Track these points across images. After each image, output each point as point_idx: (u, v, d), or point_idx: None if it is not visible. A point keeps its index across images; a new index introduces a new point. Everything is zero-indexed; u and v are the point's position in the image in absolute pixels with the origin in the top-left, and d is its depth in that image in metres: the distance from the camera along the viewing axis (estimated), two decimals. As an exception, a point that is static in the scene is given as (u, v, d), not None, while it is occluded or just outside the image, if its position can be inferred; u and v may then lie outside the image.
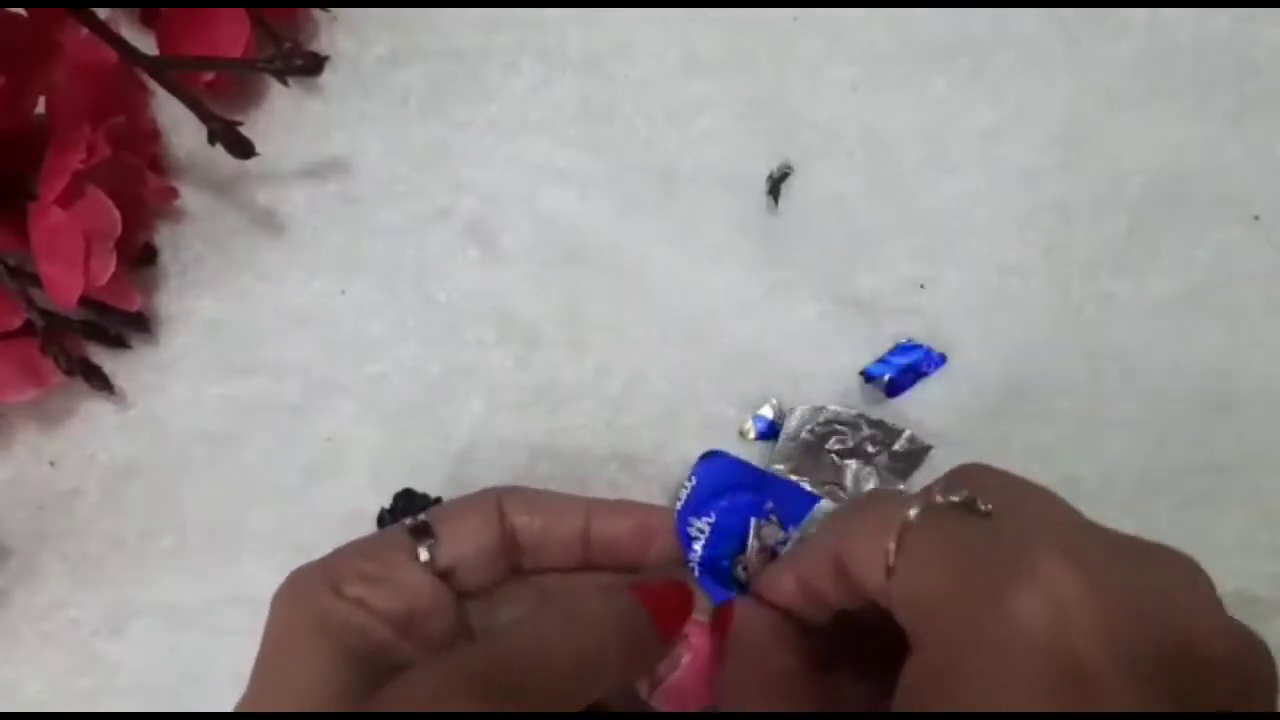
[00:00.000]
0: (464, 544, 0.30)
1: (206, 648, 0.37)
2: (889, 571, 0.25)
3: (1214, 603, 0.23)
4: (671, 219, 0.39)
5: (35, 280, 0.35)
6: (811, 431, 0.37)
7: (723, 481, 0.35)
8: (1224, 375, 0.38)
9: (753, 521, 0.34)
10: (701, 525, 0.33)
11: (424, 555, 0.29)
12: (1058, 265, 0.39)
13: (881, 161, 0.39)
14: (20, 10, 0.34)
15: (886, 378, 0.37)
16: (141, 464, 0.38)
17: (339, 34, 0.40)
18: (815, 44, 0.40)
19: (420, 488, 0.38)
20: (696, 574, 0.33)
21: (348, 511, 0.38)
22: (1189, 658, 0.22)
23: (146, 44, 0.37)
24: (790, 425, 0.37)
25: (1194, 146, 0.39)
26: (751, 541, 0.33)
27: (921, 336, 0.38)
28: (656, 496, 0.37)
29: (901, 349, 0.38)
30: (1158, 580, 0.23)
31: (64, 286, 0.34)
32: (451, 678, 0.24)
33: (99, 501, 0.38)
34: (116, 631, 0.37)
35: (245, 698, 0.28)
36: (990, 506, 0.25)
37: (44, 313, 0.36)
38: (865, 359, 0.38)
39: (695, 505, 0.34)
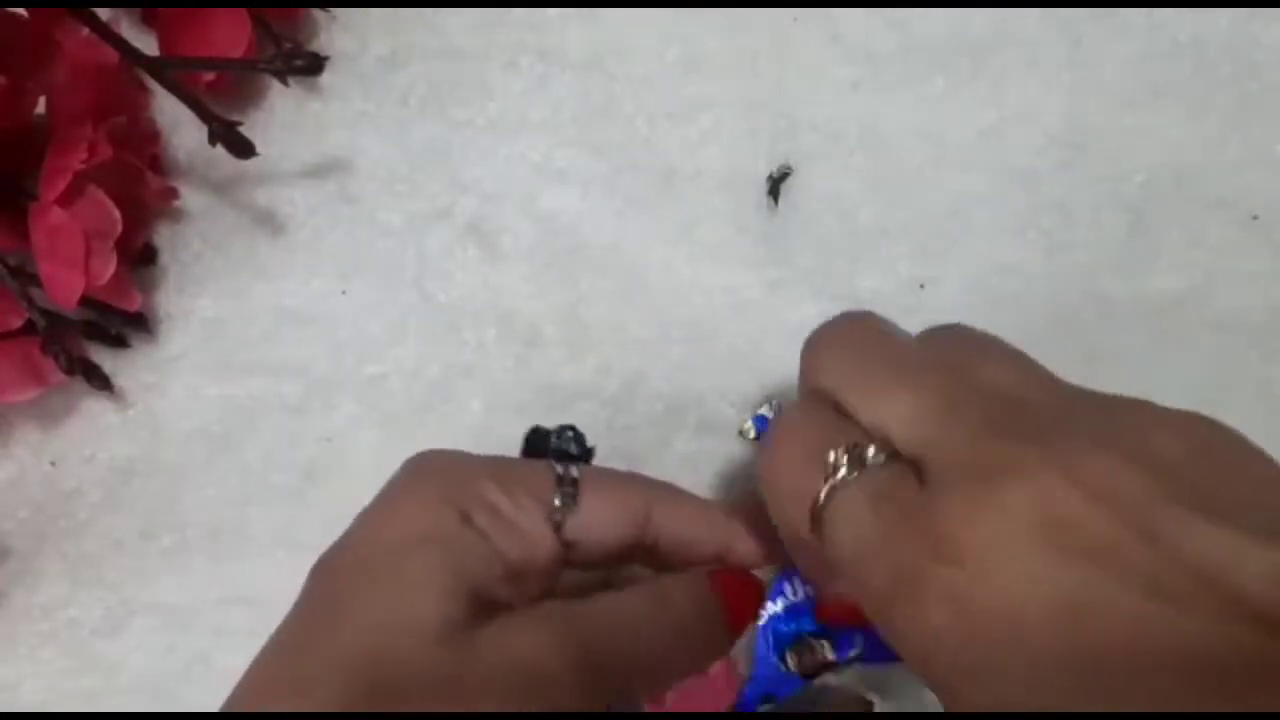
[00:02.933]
0: (597, 529, 0.28)
1: (206, 648, 0.37)
2: (816, 527, 0.25)
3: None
4: (671, 219, 0.39)
5: (35, 280, 0.35)
6: None
7: None
8: (1223, 376, 0.38)
9: (806, 634, 0.32)
10: (798, 588, 0.32)
11: (556, 517, 0.28)
12: (1057, 265, 0.39)
13: (881, 161, 0.39)
14: (20, 10, 0.34)
15: (886, 378, 0.37)
16: (141, 464, 0.38)
17: (339, 34, 0.40)
18: (815, 44, 0.40)
19: (420, 488, 0.38)
20: (762, 622, 0.32)
21: (348, 512, 0.38)
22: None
23: (147, 44, 0.37)
24: None
25: (1194, 146, 0.39)
26: (800, 650, 0.32)
27: (921, 336, 0.38)
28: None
29: (901, 349, 0.38)
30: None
31: (64, 286, 0.34)
32: (551, 639, 0.24)
33: (99, 501, 0.38)
34: (116, 631, 0.37)
35: (338, 587, 0.25)
36: (883, 457, 0.24)
37: (45, 312, 0.36)
38: (865, 359, 0.38)
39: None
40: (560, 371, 0.38)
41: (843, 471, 0.24)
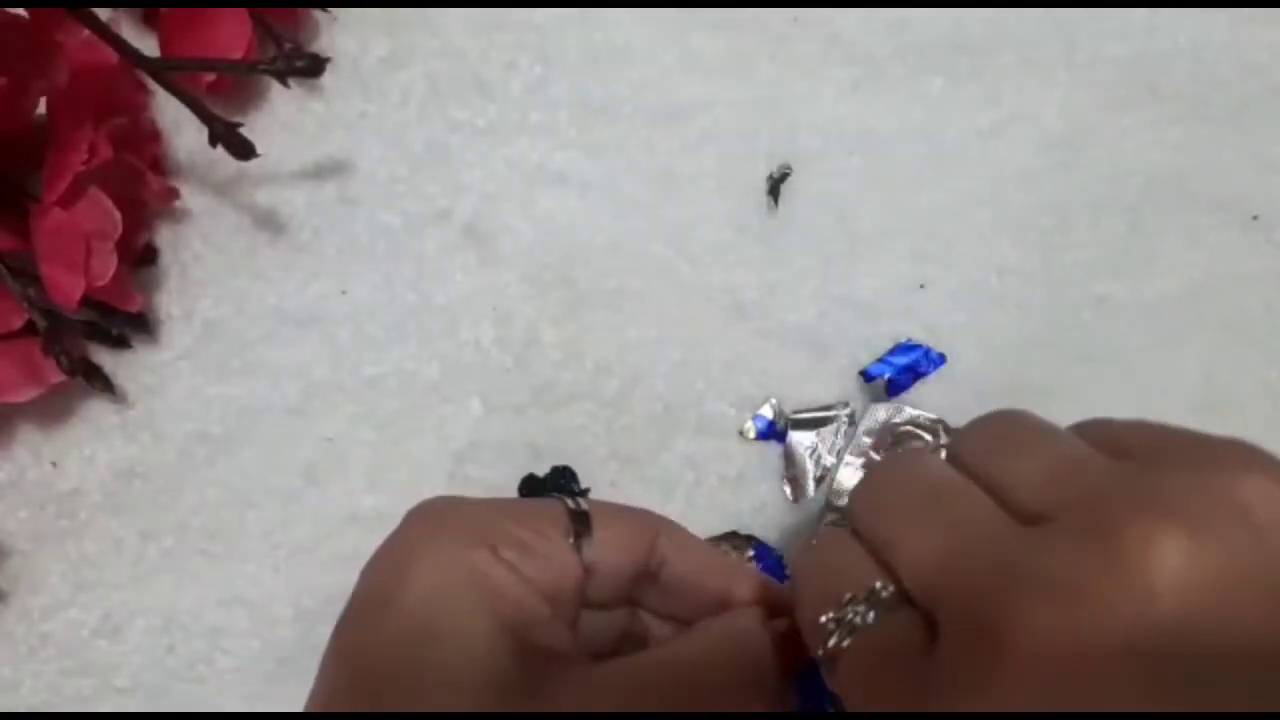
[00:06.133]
0: (611, 551, 0.28)
1: (206, 648, 0.37)
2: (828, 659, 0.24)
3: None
4: (671, 219, 0.39)
5: (36, 280, 0.35)
6: (891, 430, 0.37)
7: None
8: (1223, 376, 0.38)
9: None
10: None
11: (574, 542, 0.27)
12: (1056, 266, 0.39)
13: (880, 162, 0.39)
14: (20, 11, 0.34)
15: (885, 378, 0.37)
16: (141, 464, 0.38)
17: (339, 35, 0.40)
18: (814, 44, 0.40)
19: (419, 489, 0.38)
20: None
21: (347, 512, 0.38)
22: None
23: (147, 45, 0.37)
24: (876, 418, 0.36)
25: (1192, 147, 0.39)
26: None
27: (920, 337, 0.38)
28: (656, 497, 0.37)
29: (900, 349, 0.38)
30: None
31: (65, 287, 0.34)
32: (625, 690, 0.23)
33: (99, 502, 0.38)
34: (116, 632, 0.37)
35: (368, 651, 0.23)
36: (894, 600, 0.23)
37: (45, 313, 0.36)
38: (865, 359, 0.38)
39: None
40: (560, 372, 0.38)
41: (855, 615, 0.24)
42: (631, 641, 0.30)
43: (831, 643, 0.24)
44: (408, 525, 0.26)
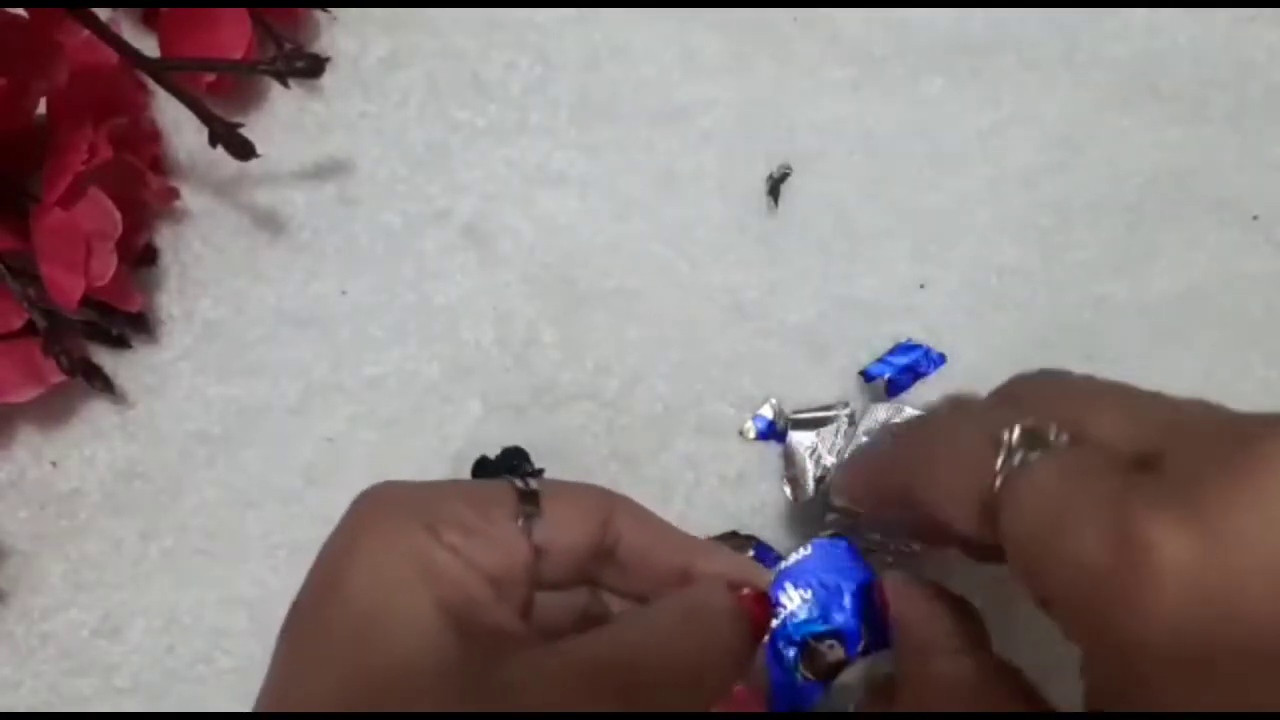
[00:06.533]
0: (563, 530, 0.27)
1: (206, 648, 0.37)
2: (986, 516, 0.23)
3: None
4: (670, 220, 0.39)
5: (36, 280, 0.35)
6: (891, 431, 0.36)
7: (837, 566, 0.32)
8: (1223, 376, 0.38)
9: (811, 639, 0.31)
10: (794, 595, 0.31)
11: (523, 524, 0.26)
12: (1056, 266, 0.39)
13: (881, 162, 0.39)
14: (20, 11, 0.34)
15: (885, 378, 0.37)
16: (141, 464, 0.38)
17: (339, 35, 0.40)
18: (814, 44, 0.40)
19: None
20: (766, 639, 0.31)
21: (348, 512, 0.38)
22: None
23: (147, 45, 0.37)
24: (876, 418, 0.36)
25: (1193, 147, 0.39)
26: (811, 656, 0.31)
27: (920, 337, 0.38)
28: (656, 497, 0.37)
29: (900, 349, 0.38)
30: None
31: (65, 287, 0.34)
32: (583, 671, 0.23)
33: (99, 502, 0.38)
34: (116, 632, 0.37)
35: (316, 636, 0.24)
36: (1067, 436, 0.23)
37: (45, 313, 0.36)
38: (865, 359, 0.38)
39: (797, 574, 0.32)
40: (559, 372, 0.38)
41: (1021, 454, 0.23)
42: (591, 623, 0.29)
43: (1018, 458, 0.23)
44: (353, 511, 0.26)
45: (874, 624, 0.31)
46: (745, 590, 0.28)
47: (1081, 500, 0.21)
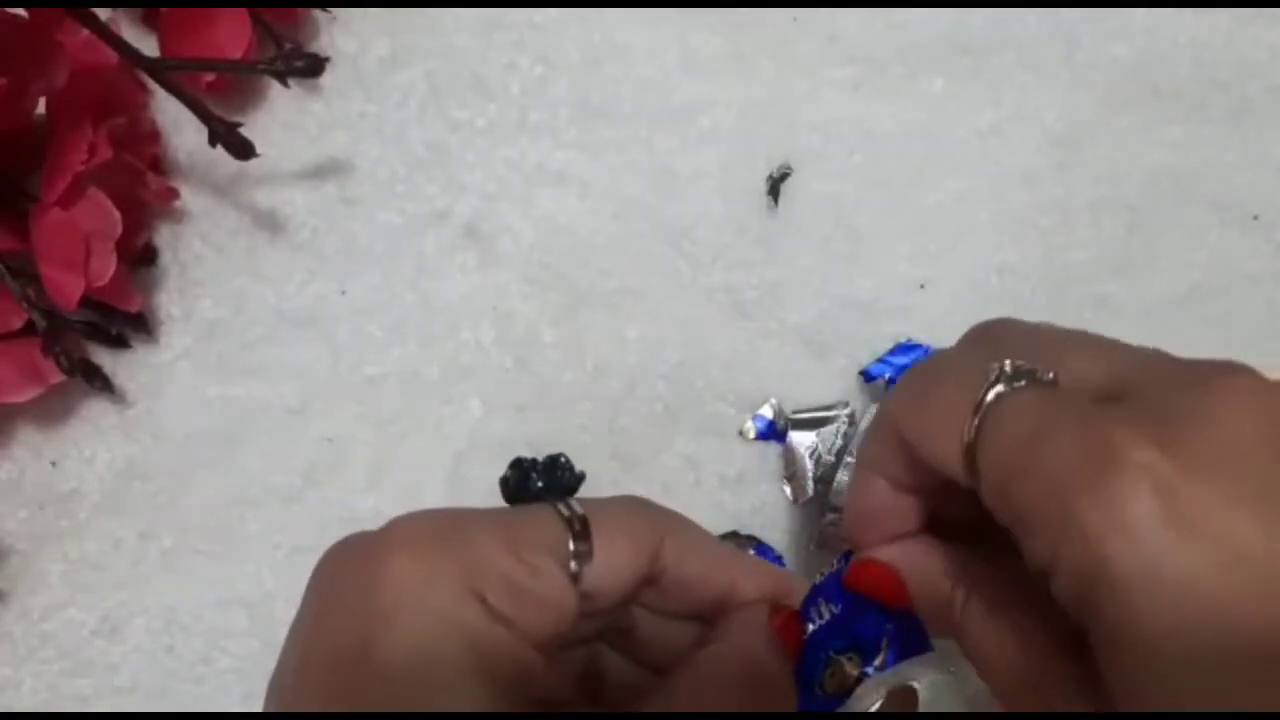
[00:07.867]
0: (613, 574, 0.25)
1: (206, 648, 0.37)
2: (967, 451, 0.24)
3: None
4: (671, 219, 0.39)
5: (36, 280, 0.35)
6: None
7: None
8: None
9: (833, 655, 0.30)
10: (823, 610, 0.30)
11: (574, 569, 0.24)
12: (1057, 266, 0.39)
13: (881, 162, 0.39)
14: (20, 11, 0.34)
15: (885, 378, 0.37)
16: (141, 464, 0.38)
17: (339, 34, 0.40)
18: (814, 44, 0.40)
19: (419, 489, 0.38)
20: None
21: (347, 512, 0.38)
22: None
23: (147, 45, 0.37)
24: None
25: (1193, 147, 0.39)
26: (832, 671, 0.31)
27: (921, 337, 0.38)
28: (656, 497, 0.37)
29: (901, 349, 0.38)
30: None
31: (65, 287, 0.34)
32: None
33: (99, 502, 0.38)
34: (116, 632, 0.37)
35: (354, 693, 0.21)
36: (1053, 374, 0.24)
37: (45, 313, 0.36)
38: (865, 359, 0.38)
39: (829, 589, 0.30)
40: (560, 372, 0.38)
41: (1002, 385, 0.23)
42: (590, 682, 0.28)
43: (989, 397, 0.23)
44: (388, 554, 0.23)
45: (902, 634, 0.30)
46: (779, 619, 0.27)
47: (1058, 417, 0.22)
